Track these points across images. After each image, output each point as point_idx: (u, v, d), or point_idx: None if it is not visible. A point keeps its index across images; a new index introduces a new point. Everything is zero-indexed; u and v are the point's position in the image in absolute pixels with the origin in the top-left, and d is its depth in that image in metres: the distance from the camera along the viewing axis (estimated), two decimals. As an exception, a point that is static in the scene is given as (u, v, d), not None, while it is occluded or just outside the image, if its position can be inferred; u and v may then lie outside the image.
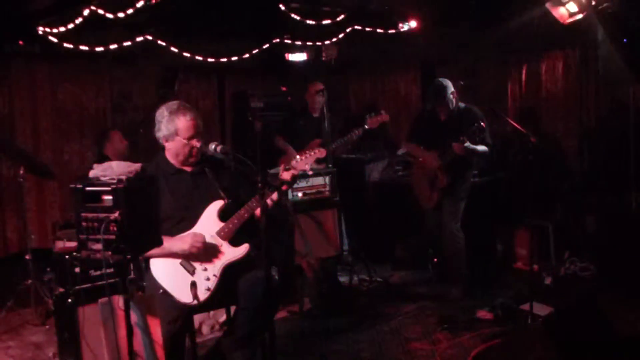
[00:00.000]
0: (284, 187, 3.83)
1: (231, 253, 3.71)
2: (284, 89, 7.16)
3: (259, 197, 3.45)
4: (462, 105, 5.75)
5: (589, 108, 7.00)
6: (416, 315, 5.32)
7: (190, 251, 3.58)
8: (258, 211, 3.69)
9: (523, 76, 7.67)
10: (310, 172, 3.95)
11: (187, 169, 3.88)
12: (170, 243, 3.54)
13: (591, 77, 6.97)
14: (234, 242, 3.76)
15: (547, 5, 5.81)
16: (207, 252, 3.65)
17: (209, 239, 3.69)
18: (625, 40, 6.04)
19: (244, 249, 3.73)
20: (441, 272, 6.15)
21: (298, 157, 3.93)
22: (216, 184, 3.87)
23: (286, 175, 3.81)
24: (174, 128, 3.75)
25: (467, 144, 5.41)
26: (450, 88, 5.73)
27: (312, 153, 3.93)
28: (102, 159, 5.66)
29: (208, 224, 3.74)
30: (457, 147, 5.44)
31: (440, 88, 5.73)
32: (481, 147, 5.52)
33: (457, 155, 5.50)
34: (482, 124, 5.40)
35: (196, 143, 3.77)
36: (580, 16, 5.71)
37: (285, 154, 6.44)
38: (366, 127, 6.32)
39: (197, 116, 3.82)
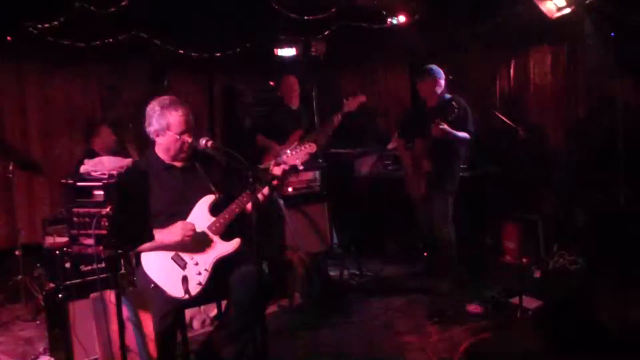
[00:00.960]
0: (274, 182, 3.84)
1: (222, 247, 3.71)
2: (272, 83, 7.16)
3: (251, 192, 3.46)
4: (447, 95, 5.77)
5: (577, 102, 7.03)
6: (406, 309, 5.34)
7: (183, 240, 3.58)
8: (249, 206, 3.70)
9: (511, 71, 7.70)
10: (301, 167, 3.95)
11: (178, 164, 3.88)
12: (162, 235, 3.53)
13: (579, 72, 7.01)
14: (225, 236, 3.76)
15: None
16: (199, 244, 3.65)
17: (199, 234, 3.68)
18: (612, 34, 6.08)
19: (235, 243, 3.73)
20: (431, 266, 6.18)
21: (288, 151, 3.92)
22: (207, 179, 3.87)
23: (277, 170, 3.81)
24: (165, 123, 3.74)
25: (443, 125, 5.45)
26: (439, 74, 5.75)
27: (303, 148, 3.93)
28: (91, 154, 5.63)
29: (199, 218, 3.75)
30: (434, 130, 5.46)
31: (426, 69, 5.78)
32: (462, 134, 5.55)
33: (436, 138, 5.51)
34: (455, 106, 5.40)
35: (187, 138, 3.76)
36: (567, 10, 5.75)
37: (269, 151, 6.43)
38: (345, 110, 6.29)
39: (189, 111, 3.81)
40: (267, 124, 6.83)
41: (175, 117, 3.73)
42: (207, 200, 3.79)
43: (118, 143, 6.22)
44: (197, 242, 3.66)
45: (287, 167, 3.83)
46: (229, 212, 3.74)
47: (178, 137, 3.74)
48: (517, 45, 7.53)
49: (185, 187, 3.82)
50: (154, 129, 3.79)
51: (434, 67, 5.80)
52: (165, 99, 3.82)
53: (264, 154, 6.46)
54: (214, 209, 3.78)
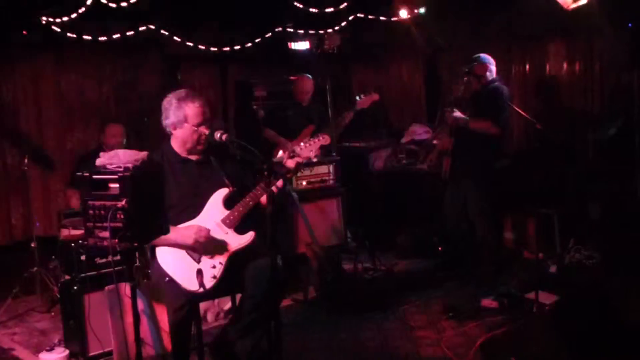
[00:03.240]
0: (288, 175, 3.83)
1: (237, 241, 3.71)
2: (293, 78, 7.16)
3: (266, 185, 3.45)
4: (493, 85, 5.77)
5: (593, 94, 6.98)
6: (421, 303, 5.31)
7: (194, 246, 3.58)
8: (263, 199, 3.69)
9: (527, 63, 7.64)
10: (315, 160, 3.93)
11: (193, 157, 3.87)
12: (175, 235, 3.54)
13: (595, 63, 6.95)
14: (239, 229, 3.76)
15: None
16: (212, 243, 3.65)
17: (214, 227, 3.69)
18: (630, 25, 6.02)
19: (249, 236, 3.73)
20: (445, 260, 6.17)
21: (302, 144, 3.92)
22: (221, 172, 3.87)
23: (290, 163, 3.80)
24: (182, 115, 3.74)
25: (457, 113, 5.46)
26: (487, 60, 5.81)
27: (316, 140, 3.92)
28: (102, 149, 5.62)
29: (213, 211, 3.74)
30: (447, 116, 5.55)
31: (475, 57, 5.85)
32: (481, 123, 5.54)
33: (450, 124, 5.58)
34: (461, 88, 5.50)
35: (204, 130, 3.76)
36: (584, 1, 5.69)
37: (280, 146, 6.42)
38: (357, 107, 6.32)
39: (205, 103, 3.82)
40: (277, 119, 6.83)
41: (192, 109, 3.73)
42: (222, 193, 3.79)
43: (126, 139, 6.17)
44: (212, 236, 3.65)
45: (300, 160, 3.82)
46: (243, 205, 3.74)
47: (195, 129, 3.74)
48: (533, 37, 7.47)
49: (200, 181, 3.82)
50: (171, 121, 3.78)
51: (482, 54, 5.87)
52: (182, 91, 3.82)
53: (276, 148, 6.45)
54: (228, 202, 3.78)
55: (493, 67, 5.85)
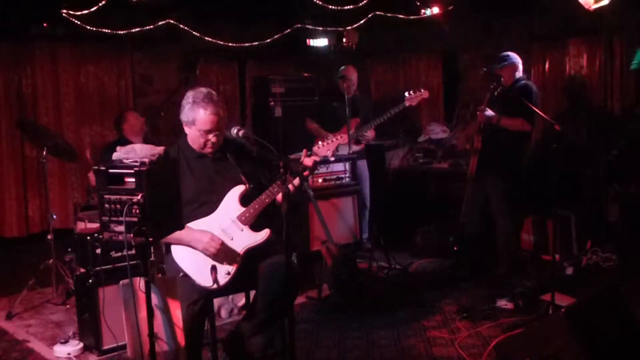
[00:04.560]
0: (305, 173, 3.81)
1: (252, 238, 3.70)
2: (307, 75, 7.15)
3: (282, 183, 3.44)
4: (522, 82, 5.74)
5: (614, 95, 6.90)
6: (435, 303, 5.29)
7: (203, 252, 3.58)
8: (279, 196, 3.68)
9: (547, 63, 7.57)
10: (332, 159, 3.92)
11: (209, 153, 3.86)
12: (189, 237, 3.55)
13: (616, 64, 6.88)
14: (255, 227, 3.75)
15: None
16: (228, 234, 3.64)
17: (229, 224, 3.68)
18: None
19: (264, 234, 3.72)
20: (461, 260, 6.13)
21: (320, 142, 3.92)
22: (238, 169, 3.86)
23: (308, 161, 3.78)
24: (192, 117, 3.71)
25: (488, 112, 5.45)
26: (515, 59, 5.78)
27: (334, 139, 3.91)
28: (122, 142, 5.65)
29: (229, 208, 3.74)
30: (479, 115, 5.58)
31: (502, 56, 5.82)
32: (509, 120, 5.53)
33: (482, 123, 5.60)
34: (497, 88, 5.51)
35: (212, 137, 3.72)
36: (605, 2, 5.64)
37: (317, 138, 6.38)
38: (406, 104, 6.24)
39: (220, 110, 3.72)
40: (320, 111, 6.80)
41: (202, 115, 3.67)
42: (238, 190, 3.77)
43: (147, 125, 6.19)
44: (227, 233, 3.65)
45: (317, 159, 3.80)
46: (259, 202, 3.73)
47: (202, 133, 3.72)
48: (553, 38, 7.40)
49: (216, 177, 3.81)
50: (184, 119, 3.77)
51: (510, 53, 5.83)
52: (201, 92, 3.74)
53: (309, 140, 6.37)
54: (245, 199, 3.77)
55: (520, 66, 5.81)
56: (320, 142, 3.91)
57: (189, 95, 3.76)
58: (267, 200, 3.72)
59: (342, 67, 6.82)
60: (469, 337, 4.54)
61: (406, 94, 6.27)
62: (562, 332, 3.56)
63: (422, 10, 7.40)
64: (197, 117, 3.70)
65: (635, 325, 3.71)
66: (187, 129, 3.80)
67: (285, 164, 3.42)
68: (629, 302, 3.78)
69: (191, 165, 3.78)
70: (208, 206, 3.72)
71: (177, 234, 3.38)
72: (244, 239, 3.68)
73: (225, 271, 3.59)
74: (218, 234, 3.64)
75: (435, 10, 7.31)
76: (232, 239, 3.66)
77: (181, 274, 3.56)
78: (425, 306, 5.24)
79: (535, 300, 5.05)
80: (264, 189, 3.76)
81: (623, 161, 6.31)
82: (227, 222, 3.69)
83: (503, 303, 5.07)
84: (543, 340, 3.68)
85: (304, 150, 3.81)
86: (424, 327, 4.79)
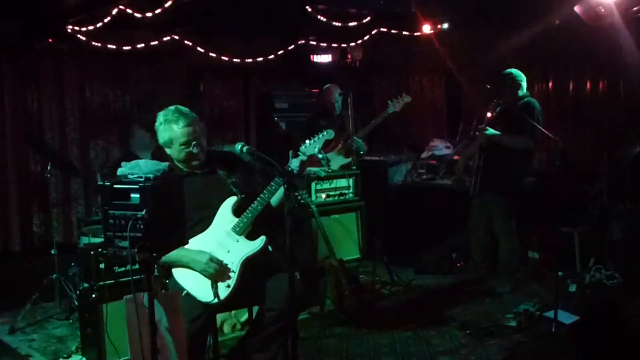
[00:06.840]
0: (295, 174, 3.79)
1: (248, 247, 3.68)
2: (315, 90, 7.14)
3: (285, 198, 3.44)
4: (525, 99, 5.75)
5: (617, 113, 6.92)
6: (438, 320, 5.27)
7: (201, 273, 3.58)
8: (272, 200, 3.71)
9: (550, 80, 7.59)
10: (320, 155, 3.95)
11: (197, 170, 3.87)
12: (188, 258, 3.57)
13: (619, 83, 6.90)
14: (251, 236, 3.74)
15: (576, 8, 5.77)
16: (225, 247, 3.64)
17: (225, 236, 3.67)
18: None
19: (260, 241, 3.70)
20: (465, 277, 6.13)
21: (307, 141, 3.90)
22: (228, 181, 3.85)
23: (295, 163, 3.77)
24: (168, 136, 3.73)
25: (489, 130, 5.45)
26: (519, 77, 5.81)
27: (321, 136, 3.91)
28: (129, 156, 5.65)
29: (223, 220, 3.73)
30: (480, 134, 5.64)
31: (506, 73, 5.86)
32: (511, 138, 5.53)
33: (484, 141, 5.60)
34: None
35: (193, 149, 3.74)
36: (608, 20, 5.67)
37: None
38: (390, 110, 6.37)
39: (194, 121, 3.74)
40: (310, 129, 6.82)
41: (176, 130, 3.70)
42: (230, 202, 3.76)
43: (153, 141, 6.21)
44: (223, 245, 3.65)
45: (304, 159, 3.80)
46: (251, 210, 3.72)
47: (182, 147, 3.73)
48: (556, 54, 7.43)
49: (207, 192, 3.80)
50: (162, 143, 3.79)
51: (514, 70, 5.87)
52: (169, 110, 3.77)
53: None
54: (238, 210, 3.76)
55: (524, 83, 5.83)
56: (307, 141, 3.90)
57: (159, 117, 3.77)
58: (259, 207, 3.71)
59: (326, 87, 6.88)
60: (471, 354, 4.52)
61: (389, 101, 6.44)
62: (565, 349, 3.56)
63: (426, 27, 7.44)
64: (172, 135, 3.72)
65: (638, 343, 3.71)
66: (168, 151, 3.81)
67: (289, 180, 3.42)
68: (631, 320, 3.78)
69: (182, 184, 3.77)
70: (203, 222, 3.71)
71: (176, 256, 3.40)
72: (240, 250, 3.66)
73: (225, 284, 3.58)
74: (215, 247, 3.64)
75: (439, 27, 7.35)
76: (228, 251, 3.65)
77: (184, 292, 3.55)
78: (428, 322, 5.22)
79: (538, 318, 5.03)
80: (257, 197, 3.75)
81: (634, 177, 6.31)
82: (223, 235, 3.68)
83: (506, 320, 5.06)
84: (546, 357, 3.68)
85: (291, 152, 3.81)
86: (427, 343, 4.77)
